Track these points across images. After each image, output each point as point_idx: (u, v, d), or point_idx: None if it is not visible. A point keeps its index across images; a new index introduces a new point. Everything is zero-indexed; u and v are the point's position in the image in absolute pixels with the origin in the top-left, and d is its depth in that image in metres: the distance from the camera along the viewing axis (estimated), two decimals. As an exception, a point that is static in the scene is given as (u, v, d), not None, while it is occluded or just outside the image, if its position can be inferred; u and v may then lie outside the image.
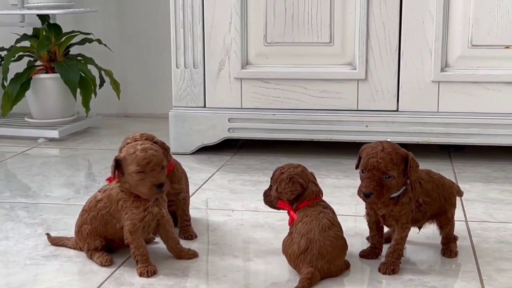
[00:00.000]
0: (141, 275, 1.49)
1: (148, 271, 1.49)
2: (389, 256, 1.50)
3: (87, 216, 1.57)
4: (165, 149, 1.60)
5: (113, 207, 1.52)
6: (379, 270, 1.50)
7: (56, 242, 1.68)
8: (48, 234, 1.69)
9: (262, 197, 1.61)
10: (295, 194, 1.53)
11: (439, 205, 1.56)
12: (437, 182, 1.56)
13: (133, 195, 1.50)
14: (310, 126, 2.51)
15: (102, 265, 1.54)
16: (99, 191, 1.59)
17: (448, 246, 1.60)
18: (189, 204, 1.79)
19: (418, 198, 1.51)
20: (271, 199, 1.59)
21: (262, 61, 2.53)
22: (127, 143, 1.56)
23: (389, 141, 1.49)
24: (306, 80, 2.50)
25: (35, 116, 3.01)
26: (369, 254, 1.58)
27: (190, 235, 1.73)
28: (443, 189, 1.57)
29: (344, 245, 1.49)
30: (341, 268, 1.48)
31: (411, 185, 1.50)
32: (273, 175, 1.59)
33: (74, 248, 1.63)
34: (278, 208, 1.59)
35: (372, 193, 1.44)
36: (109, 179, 1.58)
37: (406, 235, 1.51)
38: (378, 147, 1.46)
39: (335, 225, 1.50)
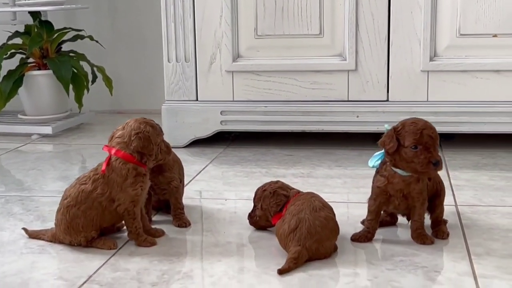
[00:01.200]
0: (144, 245, 1.59)
1: (149, 241, 1.60)
2: (418, 229, 1.58)
3: (78, 209, 1.57)
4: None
5: (115, 189, 1.56)
6: (418, 242, 1.57)
7: (34, 236, 1.68)
8: (25, 229, 1.70)
9: (248, 220, 1.70)
10: (280, 205, 1.62)
11: (435, 186, 1.63)
12: None
13: (140, 172, 1.57)
14: (302, 117, 2.53)
15: (110, 249, 1.58)
16: (83, 183, 1.59)
17: (440, 228, 1.63)
18: (182, 192, 1.82)
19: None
20: (256, 219, 1.67)
21: (253, 53, 2.55)
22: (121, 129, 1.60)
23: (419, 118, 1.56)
24: (297, 72, 2.52)
25: (28, 113, 3.03)
26: (361, 237, 1.61)
27: (184, 223, 1.75)
28: None
29: (334, 228, 1.52)
30: (330, 251, 1.50)
31: None
32: (255, 195, 1.68)
33: (52, 241, 1.64)
34: (264, 227, 1.67)
35: (439, 160, 1.51)
36: (105, 166, 1.58)
37: (425, 210, 1.60)
38: (420, 121, 1.53)
39: (326, 207, 1.53)
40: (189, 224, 1.76)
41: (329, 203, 1.58)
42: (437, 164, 1.50)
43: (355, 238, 1.61)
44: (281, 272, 1.42)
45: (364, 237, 1.61)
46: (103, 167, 1.57)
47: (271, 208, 1.63)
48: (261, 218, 1.66)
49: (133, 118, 1.62)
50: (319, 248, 1.47)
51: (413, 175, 1.54)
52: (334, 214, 1.55)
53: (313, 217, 1.48)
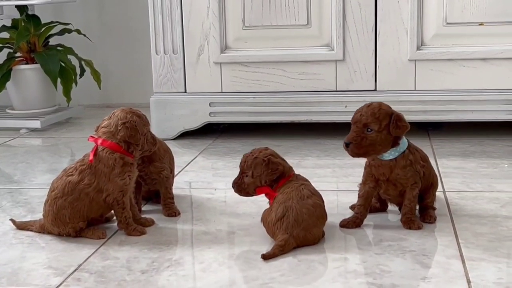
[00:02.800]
0: (133, 234, 1.60)
1: (139, 230, 1.60)
2: (407, 214, 1.60)
3: (65, 201, 1.57)
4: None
5: (102, 179, 1.56)
6: (405, 227, 1.59)
7: (22, 227, 1.68)
8: (12, 220, 1.70)
9: (233, 188, 1.61)
10: (277, 174, 1.56)
11: (432, 175, 1.66)
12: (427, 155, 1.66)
13: (127, 162, 1.58)
14: (290, 108, 2.54)
15: (99, 238, 1.58)
16: (70, 174, 1.59)
17: (427, 212, 1.65)
18: (172, 182, 1.82)
19: (421, 162, 1.60)
20: (246, 187, 1.59)
21: (241, 45, 2.55)
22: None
23: (381, 102, 1.58)
24: (285, 63, 2.53)
25: (17, 107, 3.02)
26: (349, 223, 1.62)
27: (173, 212, 1.76)
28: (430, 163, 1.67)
29: (322, 215, 1.52)
30: (318, 237, 1.51)
31: (410, 149, 1.58)
32: (243, 162, 1.59)
33: (40, 232, 1.64)
34: (251, 195, 1.60)
35: (351, 142, 1.53)
36: (92, 156, 1.58)
37: (416, 194, 1.60)
38: (365, 105, 1.56)
39: (315, 195, 1.53)
40: (179, 214, 1.76)
41: (318, 191, 1.59)
42: (347, 145, 1.54)
43: (344, 224, 1.62)
44: (265, 257, 1.43)
45: (352, 222, 1.62)
46: (91, 156, 1.57)
47: (266, 177, 1.56)
48: (250, 186, 1.58)
49: (119, 108, 1.62)
50: (306, 236, 1.48)
51: (392, 160, 1.56)
52: (323, 201, 1.55)
53: (300, 205, 1.48)
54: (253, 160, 1.57)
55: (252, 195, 1.61)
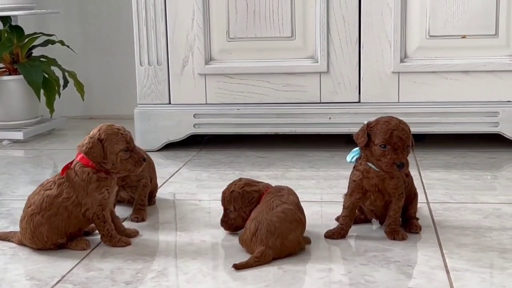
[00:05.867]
0: (119, 245, 1.58)
1: (124, 241, 1.59)
2: (392, 225, 1.60)
3: (42, 217, 1.54)
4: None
5: (81, 193, 1.54)
6: (389, 238, 1.59)
7: (3, 237, 1.66)
8: None
9: (222, 227, 1.66)
10: (254, 202, 1.60)
11: (413, 185, 1.66)
12: None
13: (100, 176, 1.55)
14: (275, 119, 2.55)
15: (83, 249, 1.57)
16: (48, 188, 1.56)
17: (412, 222, 1.66)
18: (156, 191, 1.88)
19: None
20: (233, 222, 1.64)
21: (226, 56, 2.56)
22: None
23: (397, 118, 1.58)
24: (269, 74, 2.53)
25: (-1, 119, 3.00)
26: (334, 234, 1.62)
27: (136, 217, 1.78)
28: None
29: (295, 218, 1.50)
30: (297, 242, 1.50)
31: None
32: (223, 199, 1.65)
33: (20, 244, 1.62)
34: (242, 227, 1.60)
35: (404, 163, 1.52)
36: (64, 169, 1.57)
37: (401, 205, 1.60)
38: (392, 121, 1.55)
39: (285, 203, 1.53)
40: (143, 220, 1.78)
41: (302, 202, 1.59)
42: (401, 167, 1.52)
43: (329, 235, 1.62)
44: (237, 267, 1.43)
45: (337, 233, 1.62)
46: (62, 169, 1.56)
47: (245, 208, 1.61)
48: (237, 220, 1.63)
49: (104, 123, 1.61)
50: (284, 243, 1.47)
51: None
52: (298, 207, 1.55)
53: (270, 215, 1.48)
54: (230, 194, 1.63)
55: (242, 227, 1.61)
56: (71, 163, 1.58)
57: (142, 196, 1.82)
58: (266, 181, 1.70)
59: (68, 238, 1.58)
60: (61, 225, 1.56)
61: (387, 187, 1.58)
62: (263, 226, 1.47)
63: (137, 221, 1.77)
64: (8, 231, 1.70)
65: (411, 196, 1.66)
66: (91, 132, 1.58)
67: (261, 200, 1.59)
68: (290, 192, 1.60)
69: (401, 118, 1.59)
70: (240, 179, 1.66)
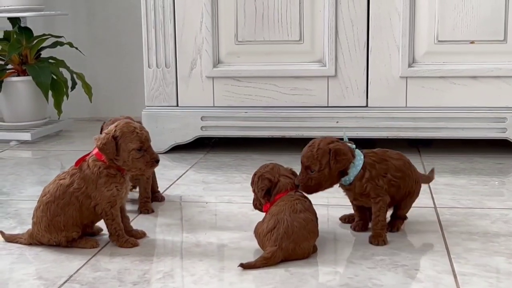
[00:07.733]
0: (125, 246, 1.58)
1: (131, 242, 1.59)
2: (373, 229, 1.60)
3: (57, 206, 1.56)
4: None
5: (90, 186, 1.55)
6: (371, 243, 1.58)
7: (11, 239, 1.67)
8: (1, 232, 1.68)
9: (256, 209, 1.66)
10: (264, 190, 1.59)
11: (411, 183, 1.64)
12: (408, 162, 1.66)
13: (110, 172, 1.56)
14: (282, 123, 2.55)
15: (93, 248, 1.58)
16: (62, 178, 1.59)
17: (395, 222, 1.68)
18: (150, 184, 1.91)
19: (386, 174, 1.59)
20: (255, 204, 1.64)
21: (234, 59, 2.56)
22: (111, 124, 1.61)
23: (325, 138, 1.59)
24: (277, 78, 2.54)
25: (7, 119, 3.01)
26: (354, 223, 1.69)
27: (146, 210, 1.87)
28: (414, 170, 1.67)
29: (313, 229, 1.51)
30: (308, 251, 1.50)
31: (364, 168, 1.58)
32: (252, 180, 1.64)
33: (30, 243, 1.62)
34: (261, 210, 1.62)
35: (298, 185, 1.58)
36: (79, 161, 1.59)
37: (382, 207, 1.58)
38: (307, 146, 1.59)
39: (308, 211, 1.53)
40: (152, 211, 1.87)
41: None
42: (297, 187, 1.59)
43: (350, 225, 1.70)
44: (244, 266, 1.43)
45: (361, 225, 1.68)
46: (77, 160, 1.58)
47: (258, 193, 1.60)
48: (257, 202, 1.63)
49: (123, 119, 1.62)
50: (295, 249, 1.47)
51: (350, 184, 1.59)
52: (317, 218, 1.55)
53: (292, 218, 1.48)
54: (253, 177, 1.64)
55: (261, 211, 1.62)
56: (87, 155, 1.59)
57: (147, 189, 1.90)
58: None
59: (83, 230, 1.60)
60: (75, 215, 1.57)
61: (357, 196, 1.60)
62: (282, 226, 1.46)
63: (148, 213, 1.87)
64: (16, 231, 1.70)
65: (404, 195, 1.65)
66: (109, 128, 1.58)
67: (279, 197, 1.56)
68: (311, 204, 1.59)
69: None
70: (268, 165, 1.63)
